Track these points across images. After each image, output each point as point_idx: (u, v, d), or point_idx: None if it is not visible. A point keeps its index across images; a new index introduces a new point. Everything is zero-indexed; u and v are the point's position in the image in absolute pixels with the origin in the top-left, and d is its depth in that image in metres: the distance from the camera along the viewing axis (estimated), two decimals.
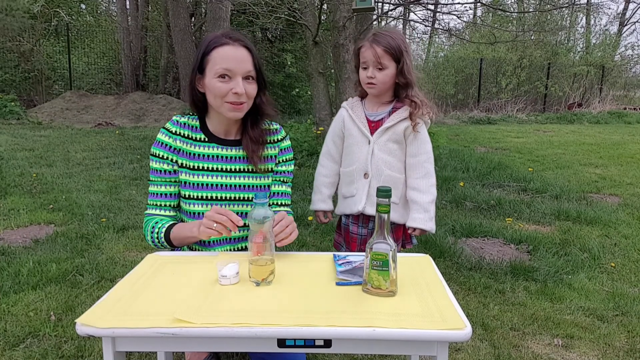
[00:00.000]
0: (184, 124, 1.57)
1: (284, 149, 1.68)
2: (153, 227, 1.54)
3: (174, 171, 1.57)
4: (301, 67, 12.29)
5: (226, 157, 1.58)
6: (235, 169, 1.59)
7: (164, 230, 1.52)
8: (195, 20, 12.46)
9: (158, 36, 13.84)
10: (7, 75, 11.29)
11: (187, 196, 1.58)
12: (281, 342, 1.04)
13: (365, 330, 1.01)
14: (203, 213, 1.53)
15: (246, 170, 1.60)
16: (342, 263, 1.34)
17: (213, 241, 1.61)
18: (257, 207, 1.19)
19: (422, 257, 1.45)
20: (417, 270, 1.34)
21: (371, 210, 1.78)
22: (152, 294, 1.17)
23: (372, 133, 1.80)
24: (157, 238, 1.54)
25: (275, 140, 1.65)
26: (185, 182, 1.57)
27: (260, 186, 1.62)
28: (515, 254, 3.21)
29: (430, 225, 1.78)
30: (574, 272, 2.91)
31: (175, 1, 7.66)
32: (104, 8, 17.32)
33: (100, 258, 2.97)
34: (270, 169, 1.64)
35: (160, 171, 1.57)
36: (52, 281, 2.61)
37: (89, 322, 1.03)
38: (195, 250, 1.62)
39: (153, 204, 1.60)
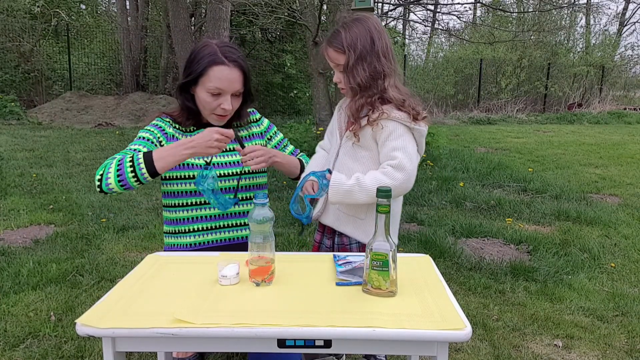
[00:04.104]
0: (172, 119, 1.66)
1: (268, 126, 1.82)
2: (123, 156, 1.45)
3: (156, 146, 1.58)
4: (300, 68, 12.29)
5: None
6: (228, 148, 1.67)
7: (142, 152, 1.44)
8: (195, 21, 12.46)
9: (158, 36, 13.85)
10: (7, 75, 11.29)
11: (183, 177, 1.59)
12: (281, 342, 1.04)
13: (365, 330, 1.01)
14: (196, 191, 1.59)
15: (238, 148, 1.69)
16: (342, 263, 1.34)
17: (212, 240, 1.63)
18: (257, 208, 1.19)
19: (422, 257, 1.45)
20: (417, 271, 1.34)
21: (327, 220, 1.64)
22: (152, 294, 1.17)
23: None
24: (133, 159, 1.41)
25: (255, 119, 1.80)
26: (182, 164, 1.60)
27: None
28: (515, 254, 3.21)
29: (334, 200, 1.50)
30: (574, 272, 2.91)
31: (175, 1, 7.66)
32: (103, 8, 17.33)
33: (100, 258, 2.97)
34: (260, 144, 1.74)
35: (145, 139, 1.58)
36: (52, 281, 2.61)
37: (89, 322, 1.03)
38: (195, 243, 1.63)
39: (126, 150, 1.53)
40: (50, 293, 2.48)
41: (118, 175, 1.40)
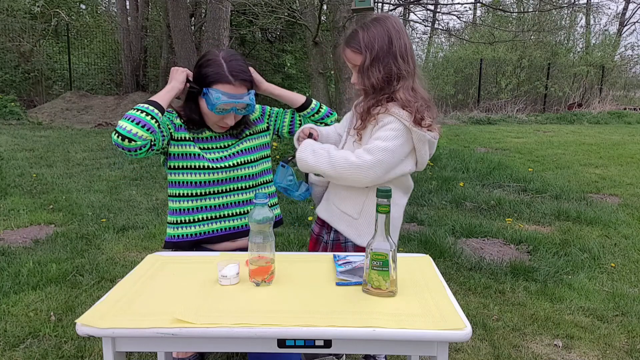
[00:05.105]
0: (177, 115, 1.68)
1: (261, 109, 1.84)
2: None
3: (168, 128, 1.61)
4: (300, 68, 12.28)
5: (218, 137, 1.69)
6: (229, 144, 1.69)
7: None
8: (195, 21, 12.45)
9: (158, 36, 13.83)
10: (7, 75, 11.29)
11: (189, 166, 1.61)
12: (281, 342, 1.04)
13: (365, 330, 1.01)
14: (207, 181, 1.62)
15: (237, 141, 1.71)
16: (342, 263, 1.34)
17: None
18: (257, 208, 1.19)
19: (422, 257, 1.45)
20: (417, 270, 1.34)
21: (322, 213, 1.65)
22: (152, 294, 1.17)
23: None
24: (135, 107, 1.47)
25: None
26: (186, 154, 1.62)
27: (260, 145, 1.75)
28: (515, 254, 3.21)
29: (300, 155, 1.52)
30: (574, 272, 2.91)
31: (175, 1, 7.66)
32: (103, 8, 17.33)
33: (100, 258, 2.97)
34: (261, 129, 1.80)
35: (169, 117, 1.64)
36: (52, 281, 2.61)
37: (89, 322, 1.03)
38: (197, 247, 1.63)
39: None
40: (50, 293, 2.48)
41: (128, 119, 1.43)
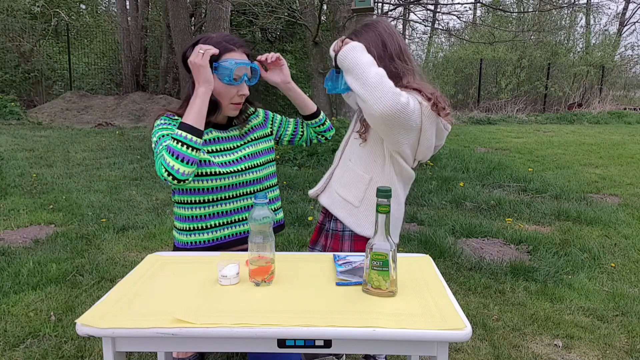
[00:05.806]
0: (180, 117, 1.64)
1: (265, 114, 1.83)
2: (167, 145, 1.46)
3: None
4: (300, 68, 12.28)
5: (224, 138, 1.67)
6: (235, 146, 1.68)
7: (174, 128, 1.50)
8: (195, 21, 12.45)
9: (158, 36, 13.84)
10: (7, 75, 11.29)
11: (198, 173, 1.58)
12: (281, 343, 1.04)
13: (365, 330, 1.01)
14: (218, 187, 1.60)
15: (244, 143, 1.70)
16: (342, 263, 1.35)
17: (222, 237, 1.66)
18: (257, 208, 1.19)
19: (422, 257, 1.45)
20: (417, 270, 1.34)
21: (323, 200, 1.67)
22: (152, 294, 1.17)
23: None
24: (175, 137, 1.43)
25: (252, 111, 1.80)
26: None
27: (265, 150, 1.74)
28: (515, 254, 3.21)
29: (356, 45, 1.43)
30: (574, 272, 2.92)
31: (175, 1, 7.66)
32: (103, 8, 17.33)
33: (100, 258, 2.97)
34: (265, 134, 1.78)
35: (172, 124, 1.59)
36: (52, 281, 2.61)
37: (89, 322, 1.03)
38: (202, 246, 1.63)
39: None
40: (50, 293, 2.48)
41: (177, 158, 1.41)
